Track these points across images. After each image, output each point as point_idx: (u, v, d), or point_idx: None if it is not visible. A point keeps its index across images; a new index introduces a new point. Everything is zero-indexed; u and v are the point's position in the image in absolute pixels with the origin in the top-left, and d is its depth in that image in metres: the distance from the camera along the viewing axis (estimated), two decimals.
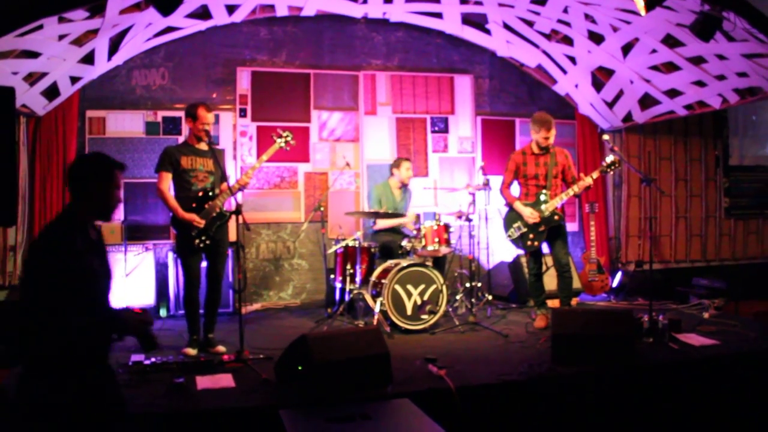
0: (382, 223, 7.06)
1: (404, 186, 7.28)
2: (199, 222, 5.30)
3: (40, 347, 2.75)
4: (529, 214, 6.13)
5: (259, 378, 4.48)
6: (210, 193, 5.43)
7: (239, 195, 7.40)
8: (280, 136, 5.87)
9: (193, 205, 5.37)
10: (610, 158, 6.09)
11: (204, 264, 5.57)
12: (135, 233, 7.14)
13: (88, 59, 6.53)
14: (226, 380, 4.43)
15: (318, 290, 7.80)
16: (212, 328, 5.53)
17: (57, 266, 2.75)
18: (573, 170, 6.33)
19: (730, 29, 5.60)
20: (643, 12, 5.07)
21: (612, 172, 6.35)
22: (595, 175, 6.11)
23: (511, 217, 6.34)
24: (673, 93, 7.43)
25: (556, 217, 6.15)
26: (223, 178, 5.46)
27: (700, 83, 7.04)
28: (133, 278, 6.88)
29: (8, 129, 3.77)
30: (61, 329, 2.73)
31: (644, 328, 5.51)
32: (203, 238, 5.37)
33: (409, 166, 7.22)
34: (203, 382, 4.38)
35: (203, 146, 5.48)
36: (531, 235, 6.20)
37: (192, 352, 5.29)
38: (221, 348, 5.38)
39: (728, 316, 6.66)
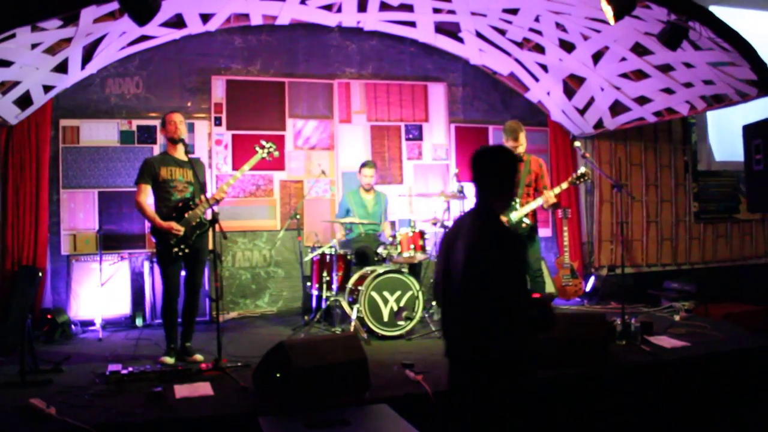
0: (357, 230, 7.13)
1: (375, 191, 7.32)
2: (178, 229, 5.28)
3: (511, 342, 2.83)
4: None
5: (237, 386, 4.49)
6: (190, 203, 5.42)
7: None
8: (263, 147, 5.82)
9: (173, 214, 5.35)
10: (580, 170, 6.16)
11: (183, 273, 5.56)
12: (110, 242, 7.08)
13: (62, 68, 6.48)
14: (204, 389, 4.43)
15: (295, 298, 7.81)
16: (190, 337, 5.51)
17: (520, 263, 2.87)
18: (546, 180, 6.39)
19: (696, 38, 5.75)
20: (612, 21, 5.18)
21: (582, 183, 6.40)
22: (565, 185, 6.18)
23: None
24: (642, 100, 7.58)
25: (524, 225, 6.22)
26: (203, 188, 5.47)
27: (668, 90, 7.19)
28: (109, 288, 6.83)
29: None
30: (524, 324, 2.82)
31: (617, 331, 5.61)
32: (182, 246, 5.35)
33: (368, 173, 7.20)
34: (181, 390, 4.38)
35: (183, 156, 5.46)
36: None
37: (169, 361, 5.28)
38: (199, 357, 5.36)
39: (698, 318, 6.80)
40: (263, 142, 5.87)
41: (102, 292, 6.72)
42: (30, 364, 4.89)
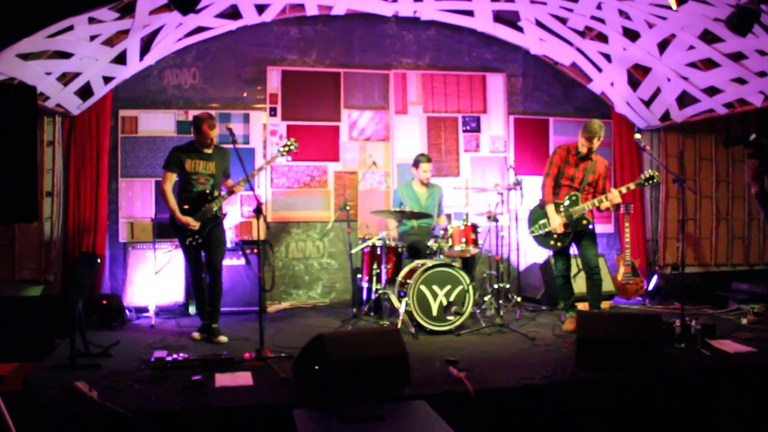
0: (408, 224, 7.04)
1: (429, 184, 7.20)
2: (194, 225, 5.60)
3: None
4: (556, 226, 6.00)
5: (277, 377, 4.47)
6: (208, 196, 5.68)
7: (267, 192, 7.47)
8: (285, 145, 5.95)
9: (187, 206, 5.65)
10: (648, 172, 5.87)
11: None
12: (164, 231, 7.16)
13: (120, 59, 6.63)
14: (244, 378, 4.42)
15: (347, 290, 7.77)
16: (216, 319, 5.74)
17: None
18: (607, 183, 6.17)
19: None
20: (674, 6, 4.91)
21: (649, 185, 6.08)
22: (632, 186, 5.93)
23: (539, 214, 6.22)
24: (712, 91, 7.20)
25: (584, 221, 6.01)
26: (226, 175, 5.90)
27: (740, 80, 6.80)
28: (163, 275, 6.93)
29: (29, 126, 3.79)
30: None
31: (675, 334, 5.33)
32: (196, 237, 5.68)
33: (426, 168, 7.07)
34: (222, 379, 4.39)
35: (209, 149, 5.74)
36: (555, 236, 6.08)
37: (198, 336, 5.71)
38: (223, 338, 5.62)
39: None
40: (286, 139, 6.15)
41: (156, 280, 6.85)
42: (81, 348, 5.01)
